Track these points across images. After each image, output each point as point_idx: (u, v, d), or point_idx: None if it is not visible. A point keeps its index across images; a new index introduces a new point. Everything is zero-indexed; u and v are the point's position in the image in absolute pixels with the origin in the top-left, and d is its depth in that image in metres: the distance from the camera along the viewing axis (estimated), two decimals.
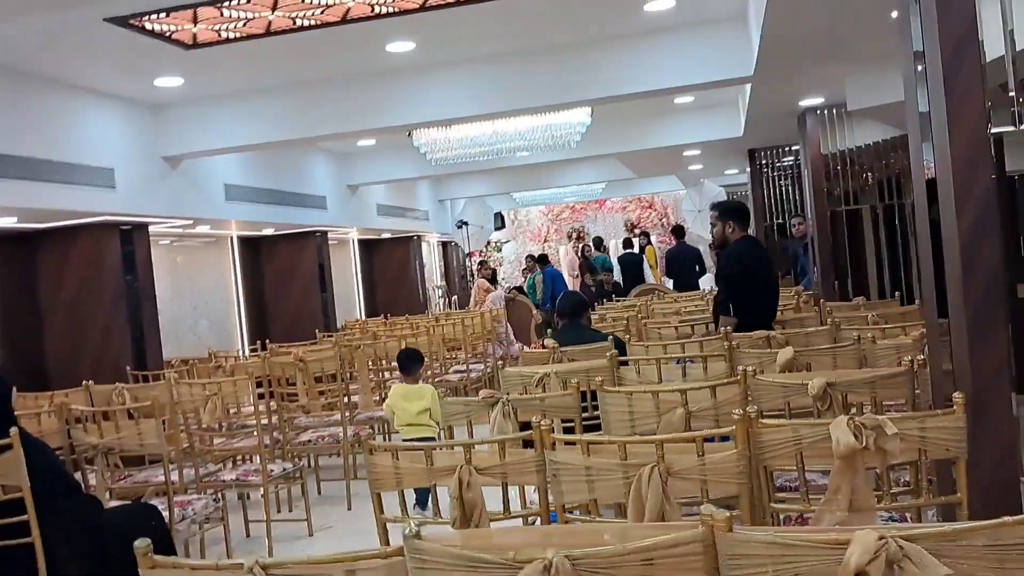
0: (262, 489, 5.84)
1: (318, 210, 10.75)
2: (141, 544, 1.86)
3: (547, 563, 1.65)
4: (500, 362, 11.34)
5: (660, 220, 20.35)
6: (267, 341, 9.32)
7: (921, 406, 3.42)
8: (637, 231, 18.14)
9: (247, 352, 10.37)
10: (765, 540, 1.63)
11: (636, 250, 15.63)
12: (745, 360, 4.56)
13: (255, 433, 6.45)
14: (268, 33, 5.54)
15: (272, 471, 5.92)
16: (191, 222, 8.54)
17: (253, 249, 11.49)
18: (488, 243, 18.31)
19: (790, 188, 11.61)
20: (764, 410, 3.70)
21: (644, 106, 9.74)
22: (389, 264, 15.06)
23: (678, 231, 14.12)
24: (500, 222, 18.68)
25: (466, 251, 17.09)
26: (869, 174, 8.44)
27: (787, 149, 11.57)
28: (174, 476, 5.47)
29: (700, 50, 6.59)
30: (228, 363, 7.40)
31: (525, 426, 3.78)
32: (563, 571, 1.64)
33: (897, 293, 7.31)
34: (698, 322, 6.87)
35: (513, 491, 3.06)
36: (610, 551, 1.68)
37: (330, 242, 11.82)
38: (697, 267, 13.94)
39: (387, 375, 8.78)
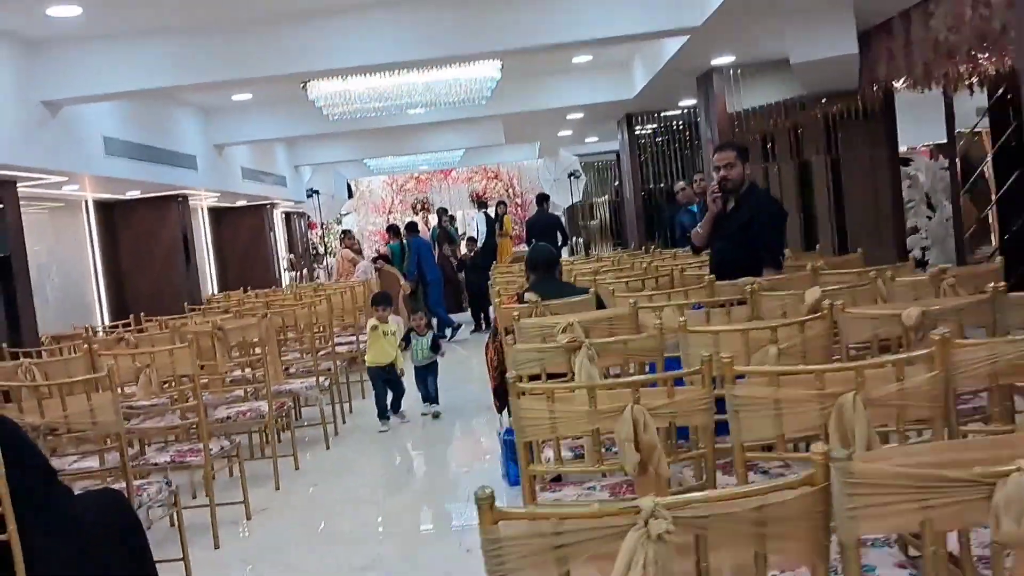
0: (202, 471, 5.25)
1: (189, 171, 9.79)
2: (482, 493, 1.46)
3: None
4: None
5: (506, 190, 20.29)
6: (138, 315, 8.43)
7: (1000, 331, 3.46)
8: (492, 200, 17.88)
9: (107, 328, 9.33)
10: None
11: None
12: (765, 303, 4.51)
13: (180, 410, 5.80)
14: None
15: (211, 450, 5.33)
16: (65, 179, 7.50)
17: (108, 215, 10.35)
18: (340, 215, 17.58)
19: (669, 152, 11.80)
20: (848, 344, 3.66)
21: (543, 63, 9.55)
22: (240, 234, 14.08)
23: (543, 198, 14.06)
24: (349, 192, 17.98)
25: (318, 221, 16.27)
26: (776, 131, 8.68)
27: (660, 114, 11.75)
28: (95, 461, 4.81)
29: None
30: (130, 336, 6.56)
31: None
32: None
33: (818, 245, 7.56)
34: (641, 277, 6.77)
35: None
36: None
37: None
38: (559, 234, 13.97)
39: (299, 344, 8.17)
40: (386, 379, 7.24)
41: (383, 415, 7.17)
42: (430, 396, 7.43)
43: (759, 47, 7.80)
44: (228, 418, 6.36)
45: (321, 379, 7.40)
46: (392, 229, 15.06)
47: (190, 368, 5.27)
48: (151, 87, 6.90)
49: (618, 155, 17.73)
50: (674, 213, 10.20)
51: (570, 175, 15.90)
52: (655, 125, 11.79)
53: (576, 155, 16.27)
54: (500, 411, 5.41)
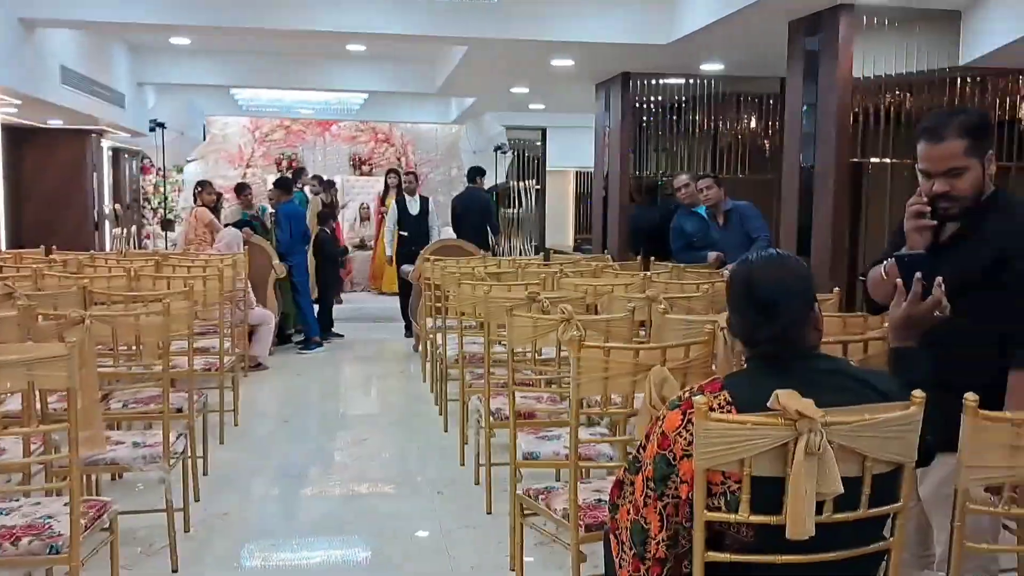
0: None
1: None
2: None
3: None
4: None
5: (398, 158, 16.72)
6: None
7: None
8: (397, 176, 13.99)
9: None
10: None
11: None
12: None
13: None
14: None
15: None
16: None
17: None
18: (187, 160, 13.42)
19: (669, 134, 8.82)
20: None
21: None
22: (49, 169, 10.02)
23: (478, 173, 10.66)
24: (204, 133, 13.88)
25: (160, 166, 12.12)
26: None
27: (658, 83, 8.73)
28: None
29: None
30: None
31: None
32: None
33: None
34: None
35: None
36: None
37: None
38: (488, 225, 10.58)
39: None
40: None
41: None
42: None
43: None
44: None
45: (173, 441, 4.01)
46: (241, 188, 10.51)
47: None
48: None
49: (544, 132, 14.64)
50: (667, 214, 7.09)
51: (496, 148, 12.63)
52: (660, 96, 8.76)
53: (505, 125, 13.03)
54: None
